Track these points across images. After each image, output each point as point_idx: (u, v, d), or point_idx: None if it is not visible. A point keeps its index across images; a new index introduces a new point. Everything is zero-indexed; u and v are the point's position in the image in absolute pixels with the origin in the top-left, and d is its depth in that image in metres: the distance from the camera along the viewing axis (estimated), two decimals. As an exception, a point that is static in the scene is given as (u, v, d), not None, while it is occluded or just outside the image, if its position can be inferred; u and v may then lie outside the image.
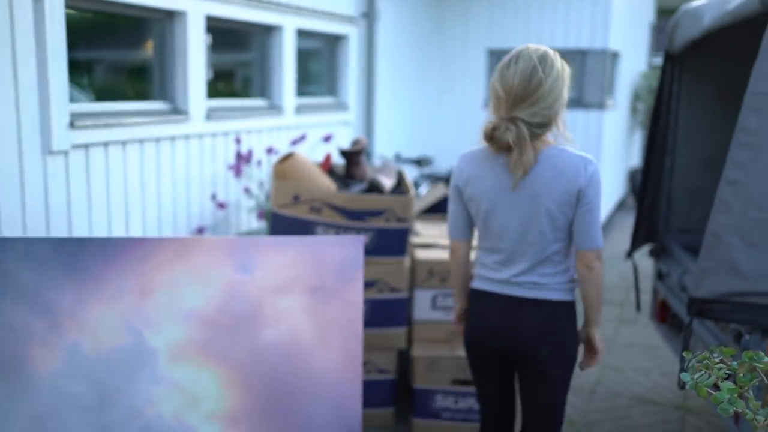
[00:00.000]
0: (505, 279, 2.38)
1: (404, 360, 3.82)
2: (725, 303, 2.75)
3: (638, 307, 3.98)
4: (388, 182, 3.47)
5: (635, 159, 11.47)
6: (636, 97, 10.85)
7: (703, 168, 4.04)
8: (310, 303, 2.36)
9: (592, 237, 2.33)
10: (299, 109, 5.31)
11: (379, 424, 3.61)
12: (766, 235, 2.61)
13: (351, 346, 2.37)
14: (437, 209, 4.89)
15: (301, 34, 5.43)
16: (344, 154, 3.54)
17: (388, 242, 3.39)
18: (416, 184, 6.41)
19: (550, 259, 2.36)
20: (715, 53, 3.85)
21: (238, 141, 4.46)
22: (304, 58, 5.82)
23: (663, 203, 4.11)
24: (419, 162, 6.07)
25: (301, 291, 2.35)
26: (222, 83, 4.86)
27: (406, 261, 3.47)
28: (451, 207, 2.49)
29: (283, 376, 2.34)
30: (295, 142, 4.85)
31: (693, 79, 3.99)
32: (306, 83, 5.93)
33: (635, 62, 10.55)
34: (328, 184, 3.36)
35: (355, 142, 3.54)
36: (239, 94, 5.02)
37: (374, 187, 3.43)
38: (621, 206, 10.11)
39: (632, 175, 9.96)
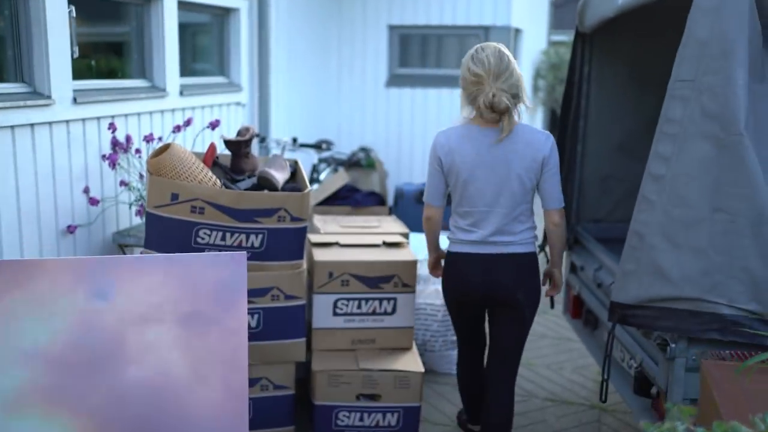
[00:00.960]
0: (480, 239, 2.78)
1: (305, 372, 3.48)
2: (649, 309, 2.54)
3: (552, 304, 3.77)
4: (280, 176, 3.09)
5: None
6: (537, 74, 10.81)
7: (614, 154, 3.86)
8: (183, 334, 1.97)
9: (557, 198, 2.84)
10: (184, 90, 4.82)
11: (278, 444, 3.26)
12: (691, 235, 2.41)
13: (234, 380, 2.00)
14: (336, 199, 4.55)
15: (185, 5, 4.92)
16: (229, 144, 3.12)
17: (282, 244, 3.02)
18: (316, 170, 6.04)
19: (518, 219, 2.80)
20: (628, 32, 3.64)
21: (112, 128, 3.95)
22: (190, 32, 5.31)
23: (575, 192, 3.91)
24: (318, 146, 5.70)
25: (171, 320, 1.96)
26: (94, 61, 4.32)
27: (303, 264, 3.12)
28: (431, 178, 2.84)
29: (154, 421, 1.95)
30: (178, 129, 4.38)
31: (604, 60, 3.78)
32: (193, 61, 5.43)
33: (536, 39, 10.48)
34: (212, 179, 2.94)
35: (243, 131, 3.13)
36: (115, 74, 4.49)
37: (265, 183, 3.04)
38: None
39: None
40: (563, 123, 3.77)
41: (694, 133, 2.36)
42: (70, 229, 3.76)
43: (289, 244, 3.03)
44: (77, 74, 3.98)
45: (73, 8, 3.74)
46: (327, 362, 3.16)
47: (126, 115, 4.22)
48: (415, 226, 4.74)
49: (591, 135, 3.88)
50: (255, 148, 5.68)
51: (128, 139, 4.21)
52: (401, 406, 3.15)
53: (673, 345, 2.51)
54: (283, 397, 3.21)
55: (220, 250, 2.97)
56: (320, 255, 3.25)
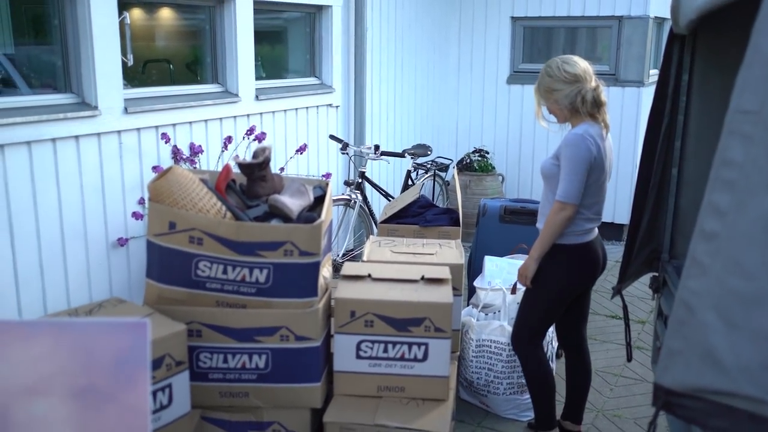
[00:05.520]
0: (598, 224, 3.13)
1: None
2: (698, 400, 1.98)
3: (629, 356, 3.20)
4: (295, 203, 2.78)
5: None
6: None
7: (719, 179, 3.17)
8: (76, 410, 1.71)
9: None
10: (260, 94, 4.63)
11: (295, 493, 2.98)
12: (753, 315, 1.82)
13: (136, 467, 1.72)
14: (407, 215, 4.17)
15: (266, 3, 4.73)
16: (242, 167, 2.85)
17: (290, 280, 2.71)
18: (410, 177, 5.67)
19: None
20: (739, 30, 2.95)
21: (165, 138, 3.83)
22: (275, 32, 5.14)
23: (668, 223, 3.28)
24: (401, 155, 5.32)
25: (62, 393, 1.70)
26: (155, 68, 4.23)
27: (318, 303, 2.80)
28: (580, 177, 2.94)
29: (44, 506, 1.72)
30: (250, 132, 4.20)
31: (708, 66, 3.11)
32: (279, 62, 5.25)
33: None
34: (215, 207, 2.69)
35: (258, 152, 2.85)
36: (184, 79, 4.39)
37: (276, 212, 2.74)
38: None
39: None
40: (650, 143, 3.15)
41: (759, 183, 1.77)
42: (121, 242, 3.69)
43: (298, 280, 2.72)
44: (140, 82, 3.90)
45: (126, 15, 3.64)
46: (341, 413, 2.82)
47: (190, 123, 4.10)
48: (495, 248, 4.27)
49: (690, 157, 3.22)
50: (336, 155, 5.43)
51: (192, 147, 4.08)
52: (421, 469, 2.76)
53: (728, 452, 1.94)
54: (297, 444, 2.92)
55: (222, 285, 2.72)
56: (343, 291, 2.91)
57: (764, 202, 1.76)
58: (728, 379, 1.87)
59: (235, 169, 3.02)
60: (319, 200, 3.02)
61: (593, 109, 3.00)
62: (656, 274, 3.31)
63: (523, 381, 3.62)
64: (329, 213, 2.94)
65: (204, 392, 2.85)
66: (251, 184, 2.86)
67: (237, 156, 3.56)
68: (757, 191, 1.76)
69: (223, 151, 4.20)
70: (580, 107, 3.00)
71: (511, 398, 3.64)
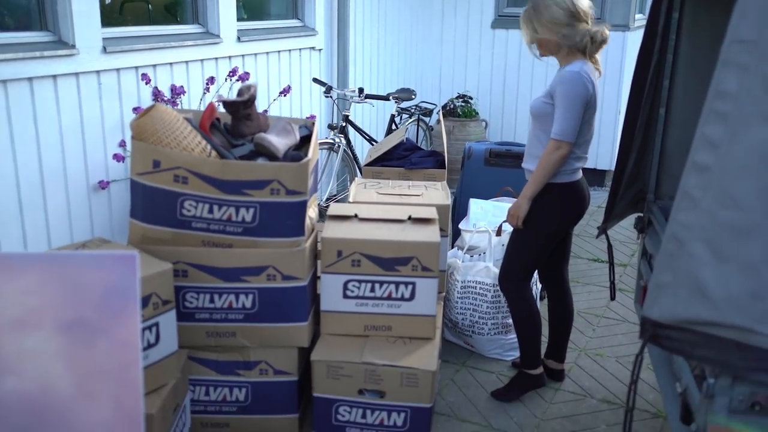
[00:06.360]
0: (585, 162, 3.14)
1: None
2: (686, 331, 2.00)
3: (612, 295, 3.22)
4: (281, 142, 2.73)
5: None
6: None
7: (706, 120, 3.17)
8: (66, 343, 1.70)
9: None
10: (242, 36, 4.53)
11: (282, 432, 3.01)
12: (742, 247, 1.83)
13: (127, 399, 1.72)
14: (392, 158, 4.14)
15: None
16: (226, 105, 2.80)
17: (277, 220, 2.69)
18: (394, 122, 5.61)
19: None
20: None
21: (145, 79, 3.74)
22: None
23: (654, 164, 3.28)
24: (386, 98, 5.25)
25: (51, 327, 1.69)
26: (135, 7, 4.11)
27: (305, 242, 2.78)
28: (577, 114, 2.94)
29: (35, 438, 1.72)
30: (233, 73, 4.12)
31: (698, 4, 3.08)
32: (260, 3, 5.13)
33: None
34: (200, 145, 2.64)
35: (243, 90, 2.79)
36: (164, 18, 4.27)
37: (262, 150, 2.70)
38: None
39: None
40: (638, 82, 3.13)
41: (753, 113, 1.76)
42: (102, 185, 3.63)
43: (285, 219, 2.70)
44: (118, 22, 3.79)
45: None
46: (328, 352, 2.84)
47: (171, 64, 4.00)
48: (480, 191, 4.26)
49: (678, 97, 3.21)
50: (319, 99, 5.36)
51: (173, 89, 4.00)
52: (408, 406, 2.79)
53: (712, 380, 1.97)
54: (285, 383, 2.93)
55: (208, 224, 2.69)
56: (330, 230, 2.90)
57: (758, 133, 1.75)
58: (716, 309, 1.90)
59: (220, 109, 2.96)
60: (305, 140, 2.98)
61: (597, 50, 3.01)
62: (641, 214, 3.33)
63: (508, 321, 3.66)
64: (315, 152, 2.90)
65: (191, 332, 2.84)
66: (236, 122, 2.81)
67: (221, 95, 3.48)
68: (750, 122, 1.76)
69: (204, 93, 4.12)
70: (588, 47, 2.98)
71: (495, 338, 3.68)
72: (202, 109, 3.88)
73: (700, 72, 3.17)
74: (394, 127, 5.58)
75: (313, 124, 3.01)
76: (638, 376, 2.18)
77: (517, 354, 3.71)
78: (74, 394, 1.71)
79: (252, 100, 2.77)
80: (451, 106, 6.84)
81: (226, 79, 4.18)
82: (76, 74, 3.44)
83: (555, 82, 2.95)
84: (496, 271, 3.62)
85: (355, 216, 3.04)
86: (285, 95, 4.44)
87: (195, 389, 2.94)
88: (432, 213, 3.10)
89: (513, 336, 3.69)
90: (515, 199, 3.11)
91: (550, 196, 3.04)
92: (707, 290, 1.91)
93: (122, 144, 3.70)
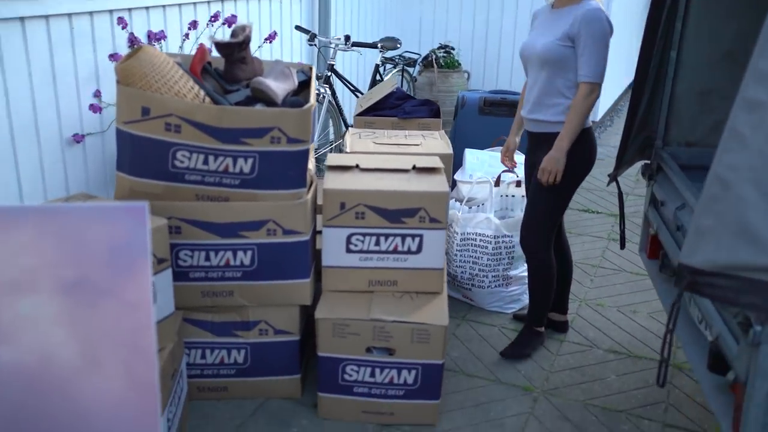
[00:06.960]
0: None
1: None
2: (730, 278, 1.88)
3: (622, 244, 3.12)
4: (280, 87, 2.53)
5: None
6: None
7: (720, 63, 3.04)
8: (67, 307, 1.52)
9: None
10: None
11: (285, 395, 2.87)
12: (796, 187, 1.71)
13: (139, 367, 1.55)
14: (384, 108, 3.96)
15: None
16: (219, 47, 2.58)
17: (278, 170, 2.51)
18: (378, 72, 5.40)
19: None
20: None
21: (122, 24, 3.47)
22: None
23: (663, 109, 3.15)
24: (374, 46, 5.03)
25: (50, 288, 1.51)
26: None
27: (306, 194, 2.60)
28: (606, 53, 2.84)
29: (33, 410, 1.55)
30: (215, 18, 3.86)
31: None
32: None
33: None
34: (193, 90, 2.43)
35: (237, 31, 2.58)
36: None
37: (259, 95, 2.50)
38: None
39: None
40: (650, 25, 2.98)
41: (815, 40, 1.63)
42: (77, 139, 3.39)
43: (285, 169, 2.52)
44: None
45: None
46: (333, 309, 2.68)
47: (147, 8, 3.74)
48: (474, 141, 4.11)
49: (690, 39, 3.06)
50: (303, 48, 5.12)
51: (149, 35, 3.74)
52: (419, 363, 2.66)
53: (759, 327, 1.87)
54: (286, 343, 2.78)
55: (203, 176, 2.50)
56: (332, 181, 2.72)
57: (820, 63, 1.61)
58: (764, 253, 1.78)
59: (213, 52, 2.74)
60: (302, 86, 2.79)
61: None
62: (648, 161, 3.21)
63: (509, 273, 3.55)
64: (314, 99, 2.71)
65: (185, 292, 2.66)
66: (230, 66, 2.59)
67: (213, 36, 3.25)
68: (813, 51, 1.61)
69: (184, 40, 3.86)
70: None
71: (495, 291, 3.57)
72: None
73: (712, 14, 3.03)
74: (378, 77, 5.37)
75: (310, 68, 2.81)
76: (674, 326, 2.07)
77: (517, 306, 3.60)
78: (78, 364, 1.54)
79: (247, 41, 2.55)
80: (433, 57, 6.64)
81: (207, 24, 3.93)
82: (46, 17, 3.17)
83: (579, 21, 2.78)
84: (497, 222, 3.49)
85: (357, 166, 2.87)
86: (270, 42, 4.19)
87: (190, 352, 2.78)
88: (436, 162, 2.94)
89: (514, 288, 3.58)
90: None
91: (580, 144, 2.90)
92: (755, 233, 1.79)
93: (98, 94, 3.46)
